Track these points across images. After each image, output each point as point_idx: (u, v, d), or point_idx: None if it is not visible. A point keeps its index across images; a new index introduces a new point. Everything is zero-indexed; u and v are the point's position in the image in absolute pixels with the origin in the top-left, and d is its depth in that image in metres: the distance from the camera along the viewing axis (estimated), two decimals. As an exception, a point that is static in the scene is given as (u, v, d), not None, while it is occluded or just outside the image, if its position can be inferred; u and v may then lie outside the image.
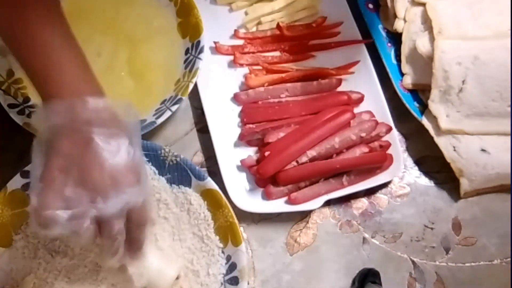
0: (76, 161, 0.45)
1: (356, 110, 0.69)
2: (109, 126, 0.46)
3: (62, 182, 0.45)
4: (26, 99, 0.66)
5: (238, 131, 0.68)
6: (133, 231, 0.48)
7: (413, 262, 0.64)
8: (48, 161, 0.45)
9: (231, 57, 0.72)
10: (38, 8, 0.48)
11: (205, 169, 0.68)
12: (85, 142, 0.45)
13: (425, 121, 0.68)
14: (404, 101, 0.69)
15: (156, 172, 0.63)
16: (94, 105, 0.46)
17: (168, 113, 0.65)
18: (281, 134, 0.66)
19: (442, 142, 0.67)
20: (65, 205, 0.44)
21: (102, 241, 0.47)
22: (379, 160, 0.65)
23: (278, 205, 0.64)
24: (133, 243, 0.49)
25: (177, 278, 0.57)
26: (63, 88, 0.47)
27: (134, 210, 0.47)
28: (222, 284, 0.59)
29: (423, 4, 0.71)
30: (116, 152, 0.46)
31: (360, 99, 0.70)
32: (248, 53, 0.73)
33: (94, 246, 0.56)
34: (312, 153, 0.64)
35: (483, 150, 0.67)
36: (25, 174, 0.60)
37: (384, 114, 0.68)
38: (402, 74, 0.71)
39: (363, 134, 0.65)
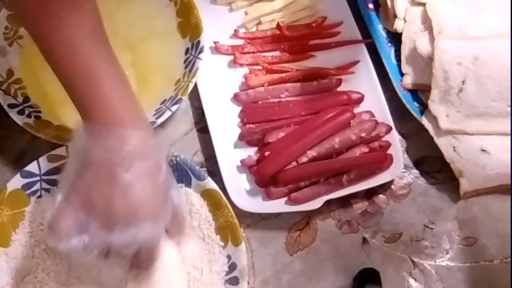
0: (100, 188, 0.45)
1: (356, 110, 0.68)
2: (140, 158, 0.46)
3: (81, 205, 0.45)
4: (26, 99, 0.66)
5: (238, 131, 0.68)
6: (140, 262, 0.48)
7: (413, 262, 0.64)
8: (75, 179, 0.46)
9: (231, 57, 0.72)
10: (82, 24, 0.47)
11: (205, 169, 0.68)
12: (113, 174, 0.45)
13: (425, 121, 0.68)
14: (404, 101, 0.69)
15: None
16: (132, 135, 0.46)
17: (168, 113, 0.65)
18: (281, 134, 0.66)
19: (442, 142, 0.67)
20: (79, 229, 0.45)
21: (108, 268, 0.49)
22: (379, 160, 0.65)
23: (278, 205, 0.64)
24: (140, 267, 0.49)
25: None
26: (107, 115, 0.46)
27: (145, 245, 0.47)
28: (225, 281, 0.59)
29: (423, 4, 0.71)
30: (140, 187, 0.46)
31: (360, 99, 0.70)
32: (248, 53, 0.73)
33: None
34: (312, 153, 0.64)
35: (483, 150, 0.67)
36: (25, 174, 0.60)
37: (384, 114, 0.68)
38: (402, 74, 0.71)
39: (363, 134, 0.65)
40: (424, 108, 0.69)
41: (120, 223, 0.45)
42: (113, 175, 0.45)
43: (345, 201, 0.67)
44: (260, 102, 0.70)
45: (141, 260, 0.48)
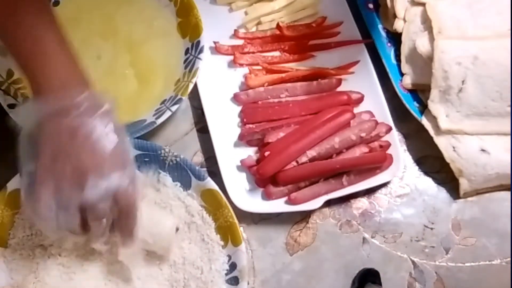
0: (63, 150, 0.47)
1: (356, 110, 0.69)
2: (93, 115, 0.48)
3: (49, 173, 0.47)
4: (26, 99, 0.66)
5: (238, 131, 0.68)
6: (121, 215, 0.49)
7: (413, 262, 0.64)
8: (38, 153, 0.48)
9: (231, 57, 0.72)
10: (30, 5, 0.49)
11: (205, 169, 0.68)
12: (71, 131, 0.47)
13: (424, 121, 0.68)
14: (404, 101, 0.69)
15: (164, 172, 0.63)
16: (79, 97, 0.47)
17: (168, 113, 0.65)
18: (281, 134, 0.66)
19: (442, 142, 0.67)
20: (54, 196, 0.46)
21: (90, 227, 0.49)
22: (379, 160, 0.65)
23: (278, 205, 0.64)
24: (123, 228, 0.51)
25: (177, 230, 0.58)
26: (51, 81, 0.48)
27: (120, 194, 0.48)
28: (226, 280, 0.59)
29: (423, 4, 0.71)
30: (100, 139, 0.47)
31: (360, 99, 0.70)
32: (248, 53, 0.73)
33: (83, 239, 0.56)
34: (312, 153, 0.64)
35: (482, 150, 0.67)
36: (25, 174, 0.60)
37: (384, 114, 0.68)
38: (402, 74, 0.71)
39: (363, 134, 0.65)
40: (424, 108, 0.69)
41: (90, 178, 0.46)
42: (72, 135, 0.47)
43: (345, 201, 0.67)
44: (260, 102, 0.70)
45: (121, 214, 0.49)
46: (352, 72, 0.71)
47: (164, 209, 0.61)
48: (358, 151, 0.65)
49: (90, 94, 0.48)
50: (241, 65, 0.72)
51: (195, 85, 0.67)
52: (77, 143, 0.47)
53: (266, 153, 0.64)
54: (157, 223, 0.56)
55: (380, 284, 0.61)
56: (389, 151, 0.66)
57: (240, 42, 0.74)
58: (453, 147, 0.67)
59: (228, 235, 0.60)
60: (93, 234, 0.50)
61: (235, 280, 0.59)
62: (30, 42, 0.49)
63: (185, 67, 0.69)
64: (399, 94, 0.69)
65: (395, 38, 0.73)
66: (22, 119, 0.51)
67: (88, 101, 0.48)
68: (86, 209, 0.47)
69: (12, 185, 0.60)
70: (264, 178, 0.64)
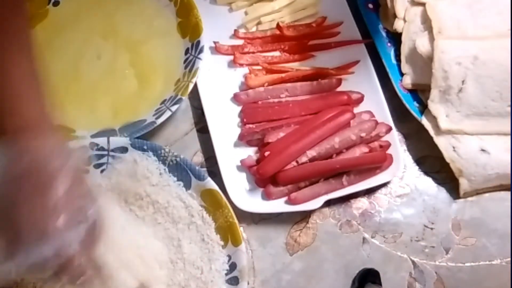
0: (14, 199, 0.42)
1: (356, 110, 0.69)
2: (53, 164, 0.44)
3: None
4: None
5: (238, 131, 0.68)
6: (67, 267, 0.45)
7: (413, 262, 0.64)
8: None
9: (231, 57, 0.72)
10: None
11: (205, 169, 0.68)
12: (25, 179, 0.43)
13: (424, 121, 0.68)
14: (404, 101, 0.69)
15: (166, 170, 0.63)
16: (42, 141, 0.44)
17: (168, 113, 0.65)
18: (281, 134, 0.66)
19: (442, 142, 0.67)
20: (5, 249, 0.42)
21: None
22: (379, 160, 0.65)
23: (278, 205, 0.64)
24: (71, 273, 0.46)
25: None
26: (15, 121, 0.44)
27: (66, 255, 0.43)
28: (226, 280, 0.59)
29: (423, 4, 0.71)
30: (53, 189, 0.43)
31: (360, 99, 0.70)
32: (248, 53, 0.73)
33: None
34: (312, 153, 0.64)
35: (482, 150, 0.67)
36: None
37: (384, 114, 0.68)
38: (402, 74, 0.71)
39: (363, 134, 0.65)
40: (424, 108, 0.69)
41: (31, 241, 0.42)
42: (24, 185, 0.43)
43: (345, 201, 0.67)
44: (260, 102, 0.70)
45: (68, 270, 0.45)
46: (352, 72, 0.71)
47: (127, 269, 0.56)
48: (358, 151, 0.65)
49: (54, 140, 0.45)
50: (241, 65, 0.72)
51: (195, 85, 0.67)
52: (28, 194, 0.42)
53: (266, 153, 0.64)
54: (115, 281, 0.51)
55: (380, 284, 0.61)
56: (389, 151, 0.66)
57: (240, 42, 0.74)
58: (453, 147, 0.67)
59: (228, 235, 0.60)
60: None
61: (235, 280, 0.59)
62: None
63: (185, 67, 0.69)
64: (399, 94, 0.69)
65: (395, 38, 0.73)
66: None
67: (51, 148, 0.44)
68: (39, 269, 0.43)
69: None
70: (264, 178, 0.64)
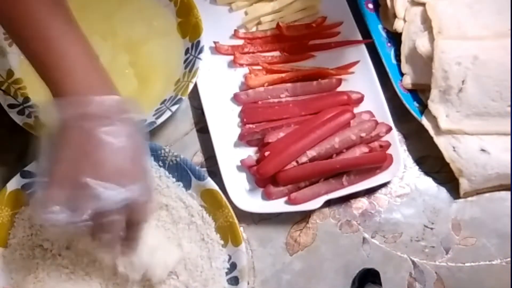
0: (83, 155, 0.45)
1: (356, 110, 0.69)
2: (116, 123, 0.46)
3: (67, 176, 0.45)
4: (26, 99, 0.66)
5: (238, 131, 0.68)
6: (129, 229, 0.48)
7: (413, 262, 0.64)
8: (56, 155, 0.46)
9: (231, 57, 0.72)
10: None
11: (205, 169, 0.68)
12: (93, 138, 0.45)
13: (424, 121, 0.68)
14: (404, 101, 0.69)
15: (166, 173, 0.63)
16: (103, 102, 0.46)
17: (168, 113, 0.65)
18: (281, 134, 0.66)
19: (442, 142, 0.67)
20: (68, 200, 0.44)
21: (100, 236, 0.47)
22: (379, 160, 0.65)
23: (278, 205, 0.64)
24: (128, 241, 0.49)
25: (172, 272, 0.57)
26: (76, 85, 0.47)
27: (134, 207, 0.46)
28: (226, 279, 0.59)
29: (423, 4, 0.71)
30: (122, 148, 0.46)
31: (360, 99, 0.70)
32: (248, 53, 0.73)
33: (90, 245, 0.55)
34: (312, 153, 0.64)
35: (482, 150, 0.67)
36: (25, 174, 0.60)
37: (384, 114, 0.68)
38: (402, 74, 0.71)
39: (363, 134, 0.65)
40: (424, 108, 0.69)
41: (108, 187, 0.44)
42: (93, 141, 0.45)
43: (345, 201, 0.67)
44: (260, 102, 0.70)
45: (130, 228, 0.48)
46: (352, 72, 0.71)
47: (171, 241, 0.59)
48: (358, 151, 0.65)
49: (115, 101, 0.47)
50: (241, 65, 0.72)
51: (195, 85, 0.67)
52: (99, 150, 0.45)
53: (266, 153, 0.64)
54: (161, 257, 0.54)
55: (380, 284, 0.61)
56: (389, 151, 0.66)
57: (240, 42, 0.74)
58: (453, 147, 0.67)
59: (228, 235, 0.61)
60: (101, 243, 0.48)
61: (235, 280, 0.59)
62: (48, 40, 0.47)
63: (185, 67, 0.69)
64: (399, 94, 0.69)
65: (395, 38, 0.73)
66: (45, 118, 0.49)
67: (113, 108, 0.46)
68: (99, 218, 0.45)
69: (12, 185, 0.60)
70: (264, 178, 0.64)
